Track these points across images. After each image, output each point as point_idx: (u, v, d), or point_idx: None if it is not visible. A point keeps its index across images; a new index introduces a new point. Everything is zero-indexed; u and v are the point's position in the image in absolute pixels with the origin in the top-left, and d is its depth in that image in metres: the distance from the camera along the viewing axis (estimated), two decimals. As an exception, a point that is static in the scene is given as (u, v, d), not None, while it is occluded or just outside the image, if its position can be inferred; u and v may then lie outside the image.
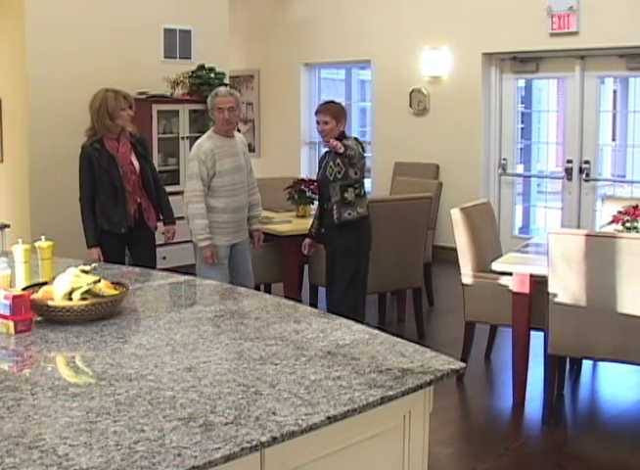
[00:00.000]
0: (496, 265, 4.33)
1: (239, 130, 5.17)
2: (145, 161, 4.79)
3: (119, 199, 4.60)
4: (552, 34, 7.25)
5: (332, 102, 4.87)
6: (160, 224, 4.92)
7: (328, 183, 4.68)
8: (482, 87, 7.95)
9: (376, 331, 2.45)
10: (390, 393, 1.94)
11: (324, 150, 4.99)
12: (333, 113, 4.62)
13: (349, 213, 4.65)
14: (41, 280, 2.89)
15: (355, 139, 4.70)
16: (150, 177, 4.79)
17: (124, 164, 4.62)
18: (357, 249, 4.72)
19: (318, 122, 4.66)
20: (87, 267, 2.68)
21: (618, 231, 4.24)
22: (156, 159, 7.12)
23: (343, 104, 4.97)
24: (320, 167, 4.84)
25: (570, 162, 7.51)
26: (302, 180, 6.11)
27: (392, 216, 5.21)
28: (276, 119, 9.82)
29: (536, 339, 4.39)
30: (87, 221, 4.62)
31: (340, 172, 4.61)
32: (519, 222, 8.28)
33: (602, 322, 3.90)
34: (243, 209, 4.80)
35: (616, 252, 3.81)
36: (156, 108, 7.12)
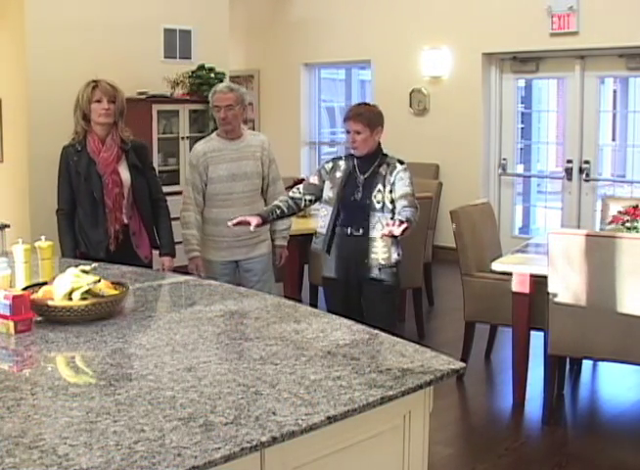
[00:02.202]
0: (496, 265, 4.33)
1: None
2: (139, 173, 3.92)
3: (99, 215, 3.81)
4: (552, 34, 7.26)
5: (365, 104, 3.97)
6: (155, 254, 4.06)
7: (369, 210, 3.78)
8: (482, 87, 7.95)
9: (376, 331, 2.45)
10: (390, 393, 1.94)
11: (340, 153, 4.03)
12: (366, 120, 3.76)
13: (399, 254, 3.85)
14: (41, 280, 2.89)
15: (399, 161, 3.86)
16: (145, 195, 3.94)
17: (106, 171, 3.80)
18: (398, 284, 3.97)
19: (348, 132, 3.81)
20: (87, 267, 2.68)
21: (619, 231, 4.24)
22: (156, 159, 7.12)
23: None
24: (345, 182, 3.84)
25: (570, 162, 7.52)
26: (302, 180, 6.10)
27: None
28: (276, 119, 9.81)
29: (536, 339, 4.39)
30: (63, 238, 3.87)
31: (392, 202, 3.78)
32: (519, 222, 8.29)
33: (602, 322, 3.90)
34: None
35: (616, 252, 3.81)
36: (156, 108, 7.13)
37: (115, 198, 3.82)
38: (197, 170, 4.21)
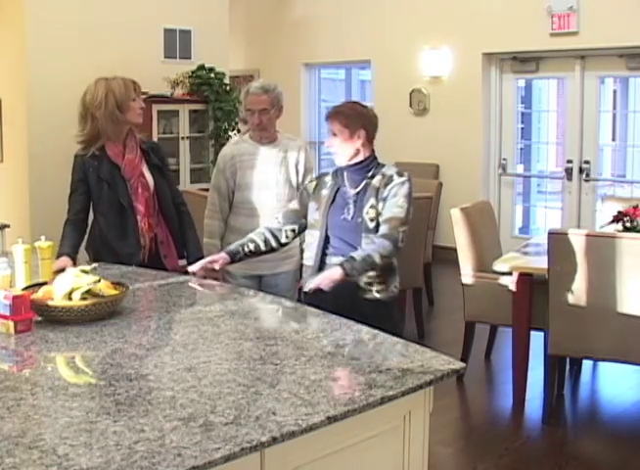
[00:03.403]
0: (496, 265, 4.33)
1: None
2: (162, 175, 3.62)
3: (129, 223, 3.46)
4: (552, 34, 7.26)
5: (351, 103, 3.25)
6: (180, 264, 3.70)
7: (361, 231, 3.06)
8: (482, 87, 7.95)
9: (376, 331, 2.45)
10: (390, 393, 1.94)
11: (333, 166, 3.24)
12: (344, 119, 3.06)
13: (396, 286, 3.15)
14: (41, 280, 2.89)
15: (398, 173, 3.09)
16: (169, 199, 3.63)
17: (133, 175, 3.49)
18: (397, 321, 3.23)
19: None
20: (87, 267, 2.68)
21: (618, 231, 4.24)
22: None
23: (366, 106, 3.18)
24: (332, 199, 3.14)
25: (570, 162, 7.51)
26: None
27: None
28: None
29: (536, 339, 4.39)
30: (63, 240, 3.48)
31: None
32: (519, 222, 8.29)
33: (602, 322, 3.90)
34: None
35: (616, 252, 3.81)
36: (156, 108, 7.13)
37: (146, 203, 3.50)
38: (223, 175, 3.80)
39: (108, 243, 3.49)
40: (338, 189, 3.15)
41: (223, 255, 3.22)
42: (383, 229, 3.01)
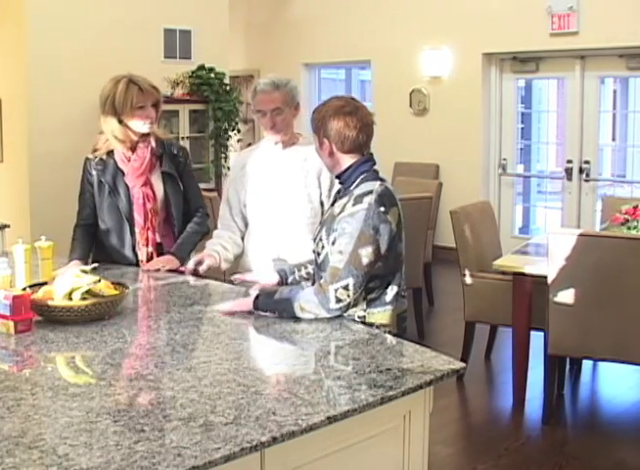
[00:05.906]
0: (497, 265, 4.34)
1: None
2: (175, 184, 3.33)
3: (125, 234, 3.29)
4: (552, 34, 7.26)
5: (327, 102, 2.56)
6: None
7: (317, 262, 2.59)
8: (482, 87, 7.95)
9: (376, 331, 2.45)
10: (390, 393, 1.94)
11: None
12: (312, 122, 2.55)
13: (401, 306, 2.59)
14: (41, 280, 2.89)
15: (357, 199, 2.43)
16: (180, 210, 3.36)
17: (135, 183, 3.25)
18: None
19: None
20: (87, 267, 2.68)
21: (618, 231, 4.24)
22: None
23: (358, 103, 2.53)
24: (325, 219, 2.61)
25: (570, 162, 7.52)
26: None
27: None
28: (276, 119, 9.82)
29: (536, 339, 4.39)
30: (75, 244, 3.35)
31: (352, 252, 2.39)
32: (519, 222, 8.30)
33: (602, 322, 3.90)
34: (286, 260, 3.12)
35: (615, 252, 3.80)
36: (156, 108, 7.13)
37: (147, 214, 3.26)
38: (234, 186, 3.30)
39: (106, 251, 3.35)
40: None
41: (273, 275, 2.84)
42: (322, 279, 2.46)
